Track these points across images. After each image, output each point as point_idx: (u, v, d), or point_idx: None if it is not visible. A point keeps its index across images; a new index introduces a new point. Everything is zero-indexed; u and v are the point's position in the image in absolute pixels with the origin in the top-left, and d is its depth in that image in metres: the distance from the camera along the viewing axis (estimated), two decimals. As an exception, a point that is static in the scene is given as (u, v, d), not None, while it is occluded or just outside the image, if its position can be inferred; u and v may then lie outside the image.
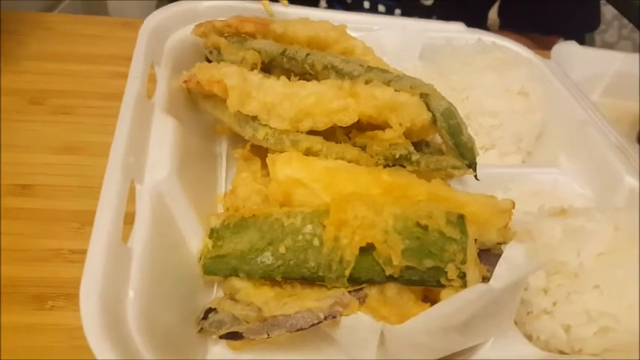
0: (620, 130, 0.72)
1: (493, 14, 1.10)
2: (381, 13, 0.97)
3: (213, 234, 0.43)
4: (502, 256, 0.34)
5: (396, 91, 0.50)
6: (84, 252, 0.34)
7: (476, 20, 1.06)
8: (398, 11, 0.98)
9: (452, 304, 0.32)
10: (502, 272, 0.33)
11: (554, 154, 0.58)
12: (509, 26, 1.04)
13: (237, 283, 0.41)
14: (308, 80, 0.53)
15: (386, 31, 0.67)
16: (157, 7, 1.11)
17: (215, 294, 0.44)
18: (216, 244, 0.42)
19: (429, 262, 0.37)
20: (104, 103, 0.65)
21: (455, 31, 0.70)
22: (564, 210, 0.42)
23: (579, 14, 1.03)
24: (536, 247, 0.40)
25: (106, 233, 0.34)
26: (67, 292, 0.44)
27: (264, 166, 0.51)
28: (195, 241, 0.44)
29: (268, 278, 0.41)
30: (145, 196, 0.40)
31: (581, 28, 1.07)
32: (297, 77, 0.53)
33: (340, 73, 0.52)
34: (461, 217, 0.38)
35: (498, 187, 0.53)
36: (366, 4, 0.97)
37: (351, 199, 0.40)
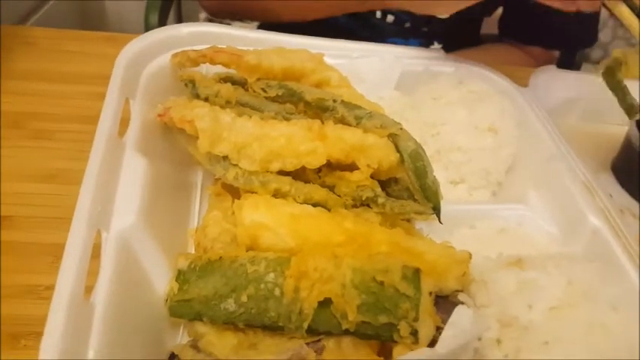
0: (594, 157, 0.74)
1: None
2: (389, 23, 0.98)
3: (180, 276, 0.45)
4: (449, 320, 0.35)
5: (365, 130, 0.51)
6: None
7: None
8: (408, 24, 0.99)
9: (397, 368, 0.34)
10: (448, 337, 0.34)
11: (524, 188, 0.59)
12: (509, 37, 1.06)
13: (201, 328, 0.43)
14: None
15: (364, 58, 0.68)
16: (149, 6, 1.12)
17: (182, 334, 0.46)
18: (182, 288, 0.44)
19: (383, 318, 0.38)
20: (84, 126, 0.65)
21: (433, 58, 0.70)
22: (520, 260, 0.44)
23: (579, 30, 1.04)
24: (490, 298, 0.42)
25: (68, 291, 0.35)
26: (39, 331, 0.45)
27: (235, 202, 0.52)
28: (163, 280, 0.45)
29: (231, 324, 0.42)
30: (110, 245, 0.41)
31: (581, 44, 1.09)
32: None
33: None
34: (416, 271, 0.39)
35: (464, 223, 0.54)
36: (378, 14, 0.98)
37: (312, 251, 0.41)
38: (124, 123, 0.51)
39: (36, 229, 0.54)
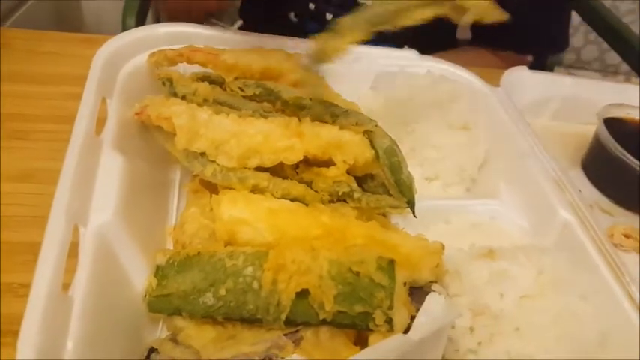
0: (565, 155, 0.76)
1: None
2: None
3: (159, 272, 0.45)
4: (422, 307, 0.36)
5: (341, 127, 0.52)
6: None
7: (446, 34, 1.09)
8: None
9: (370, 353, 0.34)
10: (421, 323, 0.35)
11: (496, 184, 0.61)
12: (481, 42, 1.08)
13: (180, 322, 0.43)
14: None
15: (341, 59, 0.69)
16: (126, 7, 1.11)
17: (160, 329, 0.46)
18: (161, 283, 0.44)
19: (359, 307, 0.39)
20: (61, 126, 0.65)
21: (407, 59, 0.72)
22: (492, 251, 0.45)
23: (550, 34, 1.07)
24: (463, 288, 0.43)
25: (46, 285, 0.35)
26: (16, 329, 0.45)
27: (214, 199, 0.52)
28: (141, 276, 0.45)
29: (209, 318, 0.42)
30: (88, 240, 0.41)
31: (552, 48, 1.11)
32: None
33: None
34: (391, 262, 0.40)
35: (439, 219, 0.56)
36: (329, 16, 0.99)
37: (290, 244, 0.42)
38: (101, 122, 0.51)
39: (14, 229, 0.53)
